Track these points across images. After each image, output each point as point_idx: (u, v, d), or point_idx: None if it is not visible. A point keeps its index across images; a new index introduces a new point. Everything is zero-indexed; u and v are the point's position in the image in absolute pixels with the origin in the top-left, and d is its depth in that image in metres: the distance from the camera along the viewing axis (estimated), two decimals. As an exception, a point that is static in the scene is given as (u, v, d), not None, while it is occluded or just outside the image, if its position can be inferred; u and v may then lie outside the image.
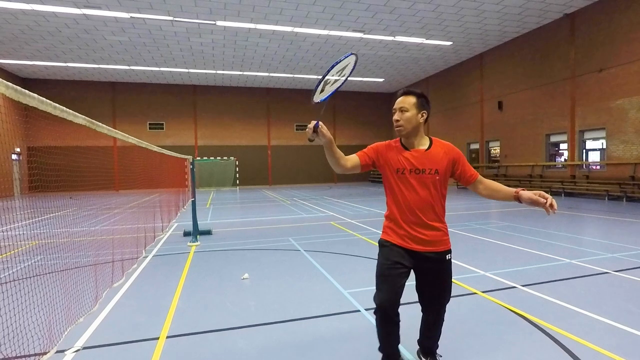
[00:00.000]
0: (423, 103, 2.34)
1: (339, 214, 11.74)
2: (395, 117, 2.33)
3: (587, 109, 15.57)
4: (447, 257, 2.38)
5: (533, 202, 2.17)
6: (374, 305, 2.30)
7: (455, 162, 2.37)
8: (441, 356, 2.68)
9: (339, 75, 2.31)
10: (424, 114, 2.34)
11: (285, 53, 20.75)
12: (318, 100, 2.26)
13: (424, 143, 2.37)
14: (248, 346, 3.12)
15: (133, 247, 6.67)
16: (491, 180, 2.46)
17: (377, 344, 2.48)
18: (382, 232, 2.47)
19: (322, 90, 2.27)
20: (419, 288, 2.50)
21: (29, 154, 22.24)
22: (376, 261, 2.41)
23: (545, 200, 2.12)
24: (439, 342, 2.64)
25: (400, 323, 2.39)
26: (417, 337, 2.67)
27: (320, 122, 2.11)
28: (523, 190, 2.25)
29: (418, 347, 2.71)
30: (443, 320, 2.55)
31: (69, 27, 16.36)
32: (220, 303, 4.16)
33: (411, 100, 2.31)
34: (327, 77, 2.23)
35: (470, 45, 19.94)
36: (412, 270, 2.37)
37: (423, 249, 2.31)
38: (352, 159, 2.36)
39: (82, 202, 16.67)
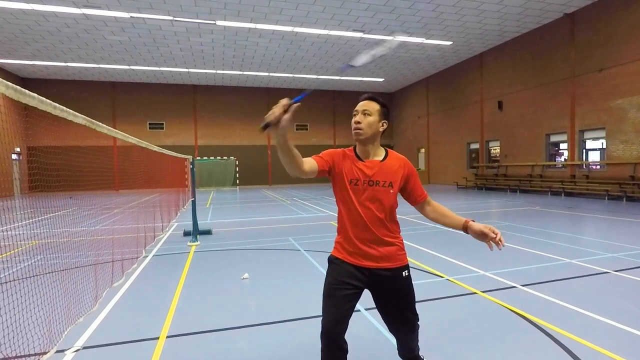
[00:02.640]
0: (385, 113, 2.22)
1: (339, 213, 11.72)
2: (357, 118, 2.17)
3: (587, 108, 15.57)
4: (404, 273, 2.19)
5: (482, 235, 2.07)
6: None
7: (409, 178, 2.24)
8: (423, 357, 2.49)
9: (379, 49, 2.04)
10: (385, 124, 2.21)
11: (285, 53, 20.75)
12: (357, 64, 2.03)
13: (380, 154, 2.23)
14: (248, 346, 3.11)
15: (133, 247, 6.67)
16: (440, 205, 2.33)
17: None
18: (333, 247, 2.30)
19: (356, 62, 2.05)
20: (379, 311, 2.29)
21: (28, 154, 22.24)
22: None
23: (494, 235, 2.03)
24: (419, 345, 2.43)
25: (350, 347, 2.17)
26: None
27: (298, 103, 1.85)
28: (473, 221, 2.14)
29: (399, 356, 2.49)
30: (417, 331, 2.33)
31: (69, 26, 16.36)
32: (220, 303, 4.16)
33: (375, 106, 2.19)
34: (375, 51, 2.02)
35: (470, 45, 19.94)
36: (365, 291, 2.20)
37: (375, 265, 2.14)
38: (309, 162, 2.14)
39: (82, 202, 16.67)
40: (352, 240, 2.17)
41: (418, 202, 2.29)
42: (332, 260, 2.25)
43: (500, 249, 2.07)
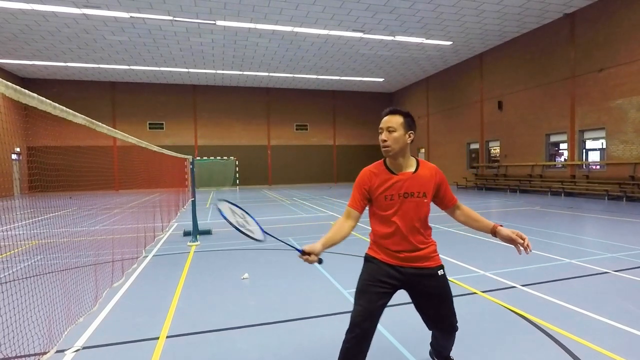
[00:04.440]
0: (410, 123, 2.25)
1: (339, 213, 11.74)
2: (383, 137, 2.23)
3: (587, 108, 15.57)
4: (440, 272, 2.29)
5: (510, 240, 2.18)
6: None
7: (440, 186, 2.32)
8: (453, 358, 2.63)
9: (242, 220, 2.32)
10: (411, 135, 2.24)
11: (285, 53, 20.75)
12: (261, 238, 2.26)
13: (411, 165, 2.28)
14: (248, 346, 3.12)
15: (133, 247, 6.67)
16: (469, 209, 2.43)
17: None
18: (369, 247, 2.38)
19: (244, 226, 2.28)
20: (420, 311, 2.39)
21: (28, 154, 22.23)
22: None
23: (522, 241, 2.14)
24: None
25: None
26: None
27: (302, 250, 2.10)
28: (502, 226, 2.25)
29: (430, 347, 2.66)
30: (454, 335, 2.43)
31: (68, 26, 16.35)
32: (220, 303, 4.16)
33: (398, 119, 2.22)
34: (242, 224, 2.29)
35: (470, 45, 19.94)
36: (401, 291, 2.29)
37: (411, 265, 2.24)
38: (352, 219, 2.28)
39: (82, 202, 16.67)
40: (389, 247, 2.26)
41: (449, 207, 2.41)
42: (368, 259, 2.34)
43: (528, 254, 2.14)
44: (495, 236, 2.26)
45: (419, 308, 2.36)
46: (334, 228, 2.27)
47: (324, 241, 2.16)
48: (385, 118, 2.26)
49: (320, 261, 2.12)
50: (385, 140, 2.22)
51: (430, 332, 2.59)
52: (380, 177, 2.27)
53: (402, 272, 2.23)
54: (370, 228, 2.41)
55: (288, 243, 2.28)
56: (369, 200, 2.31)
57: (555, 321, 3.41)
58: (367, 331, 2.13)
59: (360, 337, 2.11)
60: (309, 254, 2.09)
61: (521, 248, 2.16)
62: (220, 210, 2.27)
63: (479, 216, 2.39)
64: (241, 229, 2.23)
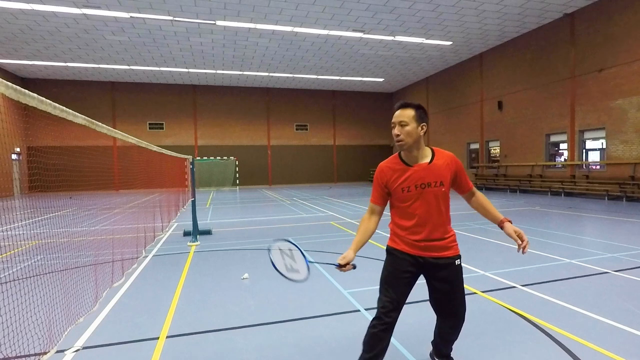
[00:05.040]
0: (422, 115, 2.28)
1: (339, 213, 11.74)
2: (395, 131, 2.27)
3: (587, 108, 15.57)
4: (457, 262, 2.38)
5: (512, 238, 2.32)
6: (374, 306, 2.30)
7: (457, 173, 2.38)
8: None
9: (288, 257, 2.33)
10: (424, 127, 2.29)
11: (285, 53, 20.75)
12: (305, 276, 2.26)
13: (426, 155, 2.32)
14: (248, 346, 3.12)
15: (133, 247, 6.67)
16: (484, 197, 2.51)
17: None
18: (389, 238, 2.45)
19: (291, 268, 2.29)
20: (431, 297, 2.48)
21: (28, 154, 22.23)
22: (382, 264, 2.41)
23: (521, 242, 2.27)
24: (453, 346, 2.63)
25: (400, 325, 2.37)
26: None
27: (339, 263, 2.18)
28: (510, 222, 2.36)
29: (432, 347, 2.70)
30: (460, 328, 2.50)
31: (68, 26, 16.35)
32: (220, 303, 4.16)
33: (410, 113, 2.25)
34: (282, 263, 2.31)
35: (470, 45, 19.94)
36: (420, 277, 2.39)
37: (431, 255, 2.32)
38: (376, 214, 2.41)
39: (82, 202, 16.67)
40: (409, 237, 2.33)
41: (465, 193, 2.49)
42: (390, 251, 2.42)
43: (522, 254, 2.27)
44: (502, 229, 2.39)
45: (431, 293, 2.45)
46: (361, 229, 2.38)
47: (355, 247, 2.28)
48: (397, 112, 2.30)
49: (354, 267, 2.21)
50: (398, 135, 2.27)
51: (433, 331, 2.61)
52: (396, 170, 2.33)
53: (422, 261, 2.32)
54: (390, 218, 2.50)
55: (328, 263, 2.36)
56: (388, 193, 2.38)
57: (555, 321, 3.41)
58: (395, 319, 2.26)
59: (389, 325, 2.24)
60: (344, 265, 2.18)
61: (521, 247, 2.28)
62: (271, 260, 2.34)
63: (491, 207, 2.48)
64: (287, 275, 2.30)
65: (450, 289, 2.37)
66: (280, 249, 2.33)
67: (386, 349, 2.27)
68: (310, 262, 2.24)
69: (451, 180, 2.36)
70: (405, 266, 2.32)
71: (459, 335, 2.57)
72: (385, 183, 2.36)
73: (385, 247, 2.47)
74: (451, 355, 2.63)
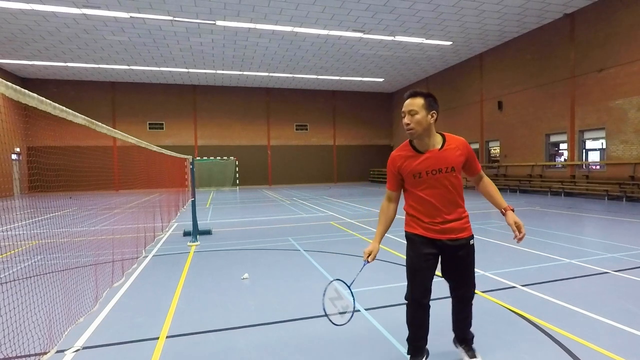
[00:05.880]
0: (431, 103, 2.34)
1: (339, 213, 11.74)
2: (406, 120, 2.33)
3: (587, 109, 15.57)
4: (471, 242, 2.48)
5: (511, 227, 2.41)
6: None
7: (467, 158, 2.45)
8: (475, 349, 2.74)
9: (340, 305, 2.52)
10: (434, 114, 2.34)
11: (285, 53, 20.75)
12: (348, 320, 2.46)
13: (438, 142, 2.39)
14: (248, 346, 3.12)
15: (133, 247, 6.67)
16: (491, 183, 2.59)
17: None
18: (405, 224, 2.54)
19: (341, 312, 2.49)
20: (444, 272, 2.59)
21: (28, 154, 22.23)
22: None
23: (518, 234, 2.37)
24: (472, 336, 2.74)
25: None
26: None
27: (366, 262, 2.43)
28: (512, 211, 2.45)
29: (453, 335, 2.80)
30: (471, 308, 2.64)
31: (68, 27, 16.35)
32: (220, 303, 4.16)
33: (419, 101, 2.31)
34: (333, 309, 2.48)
35: (470, 45, 19.94)
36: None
37: (447, 237, 2.40)
38: (393, 200, 2.53)
39: (82, 202, 16.67)
40: (424, 221, 2.42)
41: (473, 175, 2.58)
42: (409, 237, 2.52)
43: (517, 242, 2.40)
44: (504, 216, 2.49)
45: (445, 271, 2.58)
46: (381, 219, 2.53)
47: (379, 238, 2.47)
48: (407, 102, 2.35)
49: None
50: (408, 124, 2.32)
51: (434, 326, 2.69)
52: (407, 157, 2.40)
53: (440, 244, 2.42)
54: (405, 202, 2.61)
55: (360, 271, 2.61)
56: (402, 180, 2.47)
57: (555, 321, 3.41)
58: (428, 302, 2.43)
59: (425, 308, 2.43)
60: (369, 254, 2.39)
61: (517, 238, 2.39)
62: (324, 307, 2.47)
63: (497, 193, 2.56)
64: (336, 323, 2.43)
65: (463, 264, 2.50)
66: (336, 291, 2.51)
67: (428, 324, 2.53)
68: (352, 290, 2.46)
69: (462, 164, 2.43)
70: (426, 248, 2.41)
71: (460, 336, 2.58)
72: (397, 170, 2.44)
73: (404, 234, 2.56)
74: (473, 347, 2.70)
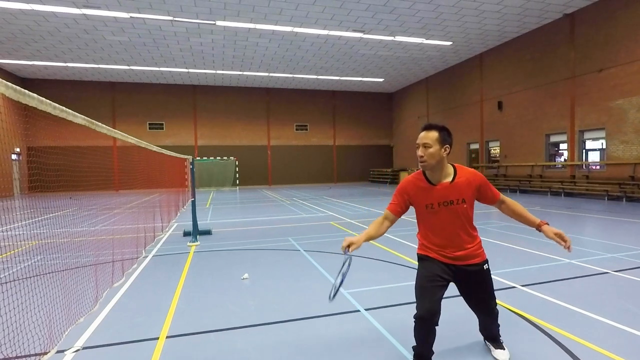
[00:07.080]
0: (445, 137, 2.42)
1: (339, 214, 11.74)
2: (420, 152, 2.41)
3: (587, 109, 15.57)
4: (485, 267, 2.55)
5: (554, 240, 2.44)
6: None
7: (479, 188, 2.51)
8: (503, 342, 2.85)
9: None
10: (447, 148, 2.43)
11: (285, 53, 20.75)
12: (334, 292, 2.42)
13: (449, 174, 2.47)
14: (248, 346, 3.12)
15: (133, 247, 6.67)
16: (516, 203, 2.61)
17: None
18: (419, 247, 2.63)
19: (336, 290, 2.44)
20: (463, 296, 2.67)
21: (28, 154, 22.22)
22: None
23: (564, 243, 2.41)
24: (499, 331, 2.86)
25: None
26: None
27: (348, 253, 2.34)
28: (547, 224, 2.46)
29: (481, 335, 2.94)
30: (497, 316, 2.74)
31: (68, 27, 16.35)
32: (220, 303, 4.16)
33: (434, 135, 2.39)
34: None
35: (470, 45, 19.94)
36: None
37: (461, 263, 2.48)
38: (389, 221, 2.50)
39: (82, 202, 16.66)
40: (438, 250, 2.49)
41: (494, 203, 2.61)
42: (422, 258, 2.57)
43: (569, 252, 2.44)
44: (540, 232, 2.51)
45: (463, 294, 2.66)
46: (374, 227, 2.49)
47: (366, 237, 2.43)
48: (422, 134, 2.43)
49: (350, 259, 2.40)
50: (422, 156, 2.41)
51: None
52: (421, 188, 2.48)
53: (454, 269, 2.48)
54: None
55: (342, 267, 2.47)
56: (408, 207, 2.54)
57: (555, 321, 3.41)
58: (436, 321, 2.40)
59: (431, 325, 2.41)
60: (350, 243, 2.33)
61: (565, 248, 2.44)
62: (340, 275, 2.44)
63: (525, 212, 2.57)
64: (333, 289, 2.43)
65: (479, 289, 2.57)
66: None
67: (434, 337, 2.50)
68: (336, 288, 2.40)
69: (474, 196, 2.49)
70: (438, 271, 2.45)
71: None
72: (408, 198, 2.51)
73: (417, 255, 2.62)
74: (500, 340, 2.82)
